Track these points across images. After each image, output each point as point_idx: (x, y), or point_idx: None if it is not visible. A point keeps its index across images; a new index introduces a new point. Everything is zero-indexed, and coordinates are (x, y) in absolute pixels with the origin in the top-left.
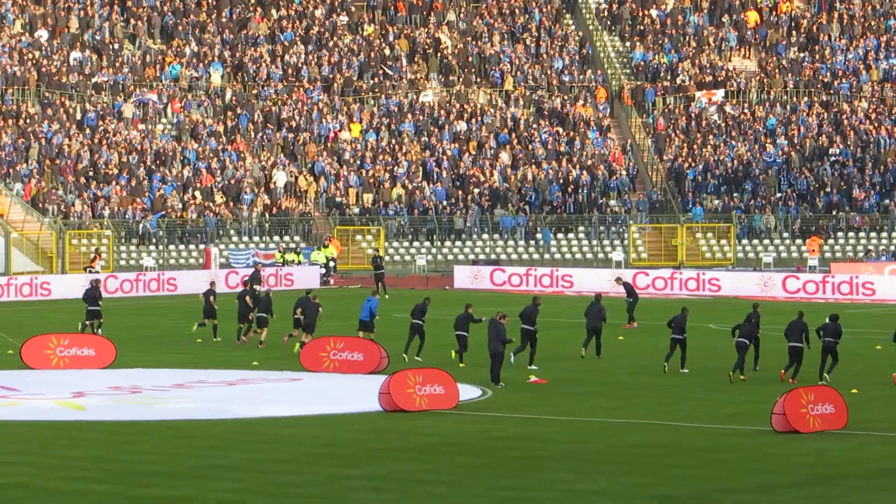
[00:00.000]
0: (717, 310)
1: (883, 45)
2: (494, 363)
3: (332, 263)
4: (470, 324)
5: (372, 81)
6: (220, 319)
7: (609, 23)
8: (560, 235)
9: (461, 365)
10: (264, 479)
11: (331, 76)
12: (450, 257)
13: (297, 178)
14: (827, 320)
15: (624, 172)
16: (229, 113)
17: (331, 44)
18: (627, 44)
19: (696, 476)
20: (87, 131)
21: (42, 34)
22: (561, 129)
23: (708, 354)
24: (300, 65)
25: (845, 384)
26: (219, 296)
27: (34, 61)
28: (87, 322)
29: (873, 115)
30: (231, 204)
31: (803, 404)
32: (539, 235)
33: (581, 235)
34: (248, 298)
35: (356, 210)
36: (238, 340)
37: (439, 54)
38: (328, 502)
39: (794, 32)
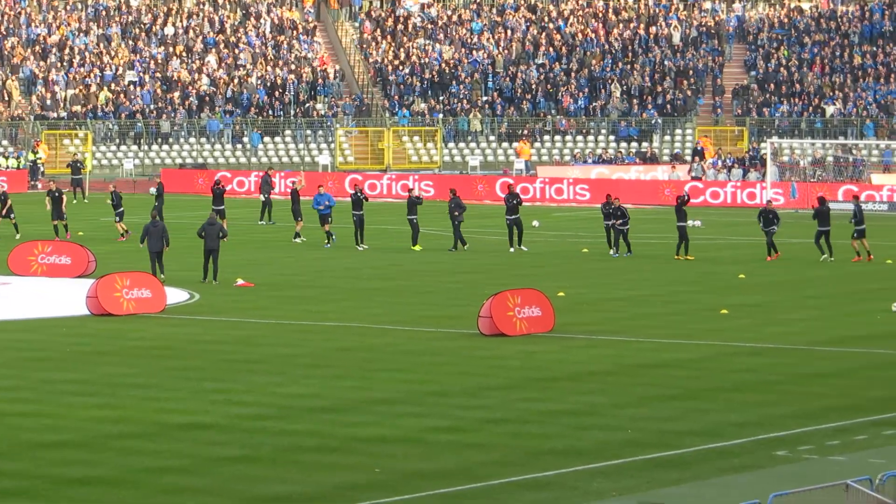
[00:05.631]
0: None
1: None
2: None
3: (40, 167)
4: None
5: None
6: None
7: None
8: (267, 139)
9: None
10: None
11: None
12: (157, 161)
13: (4, 82)
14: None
15: (331, 76)
16: None
17: None
18: None
19: (407, 379)
20: None
21: None
22: (268, 33)
23: (416, 259)
24: None
25: (551, 288)
26: None
27: None
28: None
29: (580, 18)
30: None
31: (510, 307)
32: (246, 139)
33: (288, 139)
34: None
35: (63, 114)
36: None
37: None
38: (40, 407)
39: None
